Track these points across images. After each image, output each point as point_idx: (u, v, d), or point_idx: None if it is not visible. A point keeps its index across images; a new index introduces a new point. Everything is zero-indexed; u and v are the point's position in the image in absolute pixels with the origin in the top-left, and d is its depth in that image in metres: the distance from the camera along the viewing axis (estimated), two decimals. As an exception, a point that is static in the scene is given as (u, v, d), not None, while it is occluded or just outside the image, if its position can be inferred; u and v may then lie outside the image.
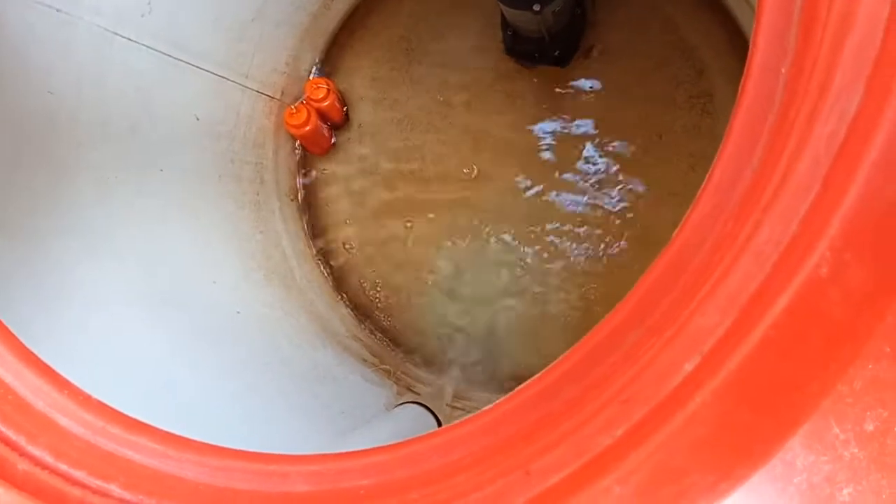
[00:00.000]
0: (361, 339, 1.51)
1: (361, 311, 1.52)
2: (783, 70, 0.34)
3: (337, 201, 1.55)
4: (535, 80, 1.44)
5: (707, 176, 0.37)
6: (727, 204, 0.35)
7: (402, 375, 1.48)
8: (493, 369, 1.43)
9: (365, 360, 1.46)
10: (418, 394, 1.40)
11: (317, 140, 1.50)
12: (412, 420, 1.19)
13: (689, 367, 0.29)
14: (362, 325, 1.52)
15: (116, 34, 1.08)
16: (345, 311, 1.53)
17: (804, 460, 0.35)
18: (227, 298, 1.26)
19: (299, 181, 1.58)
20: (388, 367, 1.47)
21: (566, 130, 1.42)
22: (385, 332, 1.51)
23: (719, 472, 0.28)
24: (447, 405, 1.34)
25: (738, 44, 1.31)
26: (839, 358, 0.27)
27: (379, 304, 1.51)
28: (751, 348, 0.28)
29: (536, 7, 1.16)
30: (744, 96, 0.35)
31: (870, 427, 0.35)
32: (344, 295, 1.53)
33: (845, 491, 0.36)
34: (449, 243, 1.46)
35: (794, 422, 0.28)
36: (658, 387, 0.30)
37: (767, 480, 0.35)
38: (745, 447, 0.28)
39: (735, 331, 0.28)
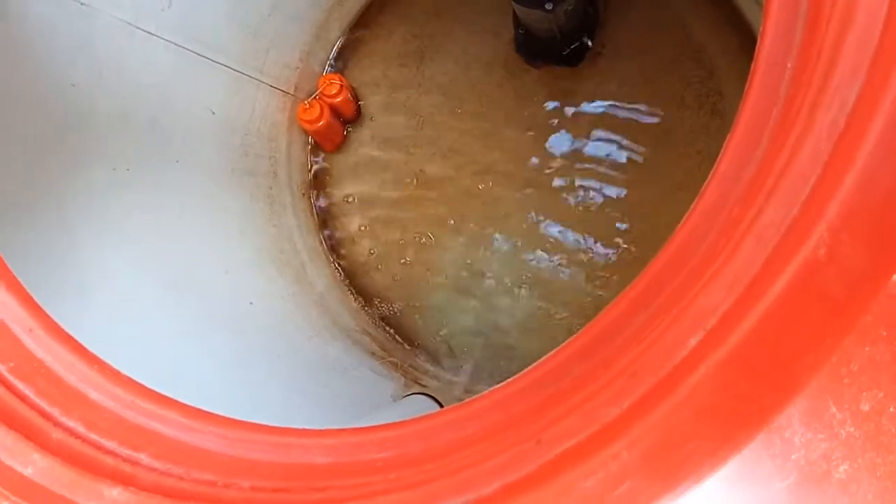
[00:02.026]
0: (370, 333, 1.53)
1: (370, 305, 1.54)
2: (789, 64, 0.36)
3: (348, 196, 1.57)
4: (546, 79, 1.46)
5: (714, 167, 0.39)
6: (733, 192, 0.36)
7: (410, 368, 1.50)
8: (501, 365, 1.45)
9: (373, 353, 1.48)
10: (425, 386, 1.42)
11: (329, 135, 1.52)
12: (419, 410, 1.21)
13: (693, 342, 0.31)
14: (371, 319, 1.54)
15: (137, 27, 1.11)
16: (354, 305, 1.55)
17: (802, 438, 0.36)
18: (241, 290, 1.29)
19: (311, 176, 1.60)
20: (395, 359, 1.49)
21: (575, 128, 1.43)
22: (393, 327, 1.53)
23: (721, 438, 0.30)
24: (452, 398, 1.36)
25: (748, 44, 1.32)
26: (835, 331, 0.29)
27: (387, 299, 1.53)
28: (752, 324, 0.29)
29: (549, 6, 1.18)
30: (750, 90, 0.37)
31: (865, 407, 0.37)
32: (353, 289, 1.56)
33: (841, 468, 0.38)
34: (458, 239, 1.48)
35: (791, 391, 0.30)
36: (664, 361, 0.31)
37: (767, 457, 0.36)
38: (746, 415, 0.30)
39: (738, 308, 0.30)
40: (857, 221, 0.28)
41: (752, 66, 0.38)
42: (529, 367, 0.44)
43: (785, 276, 0.29)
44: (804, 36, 0.36)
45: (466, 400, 0.45)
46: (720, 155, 0.39)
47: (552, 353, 0.44)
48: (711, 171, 0.41)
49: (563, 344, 0.43)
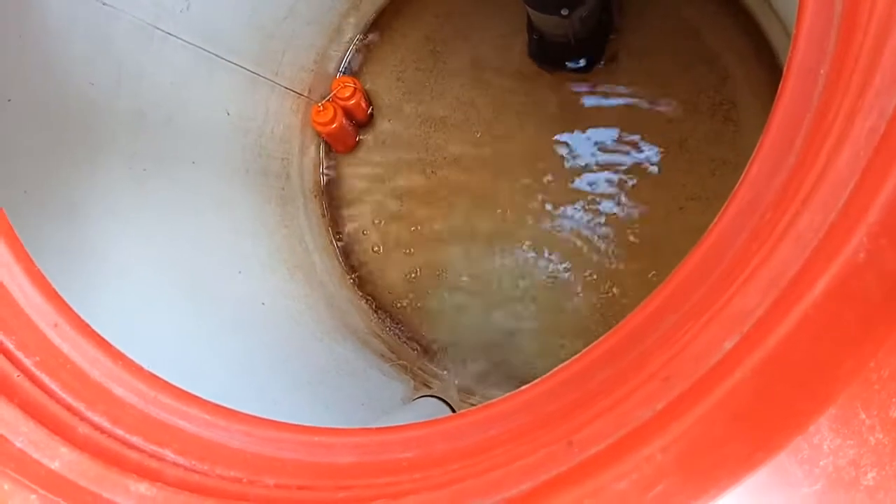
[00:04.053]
0: (380, 335, 1.53)
1: (380, 307, 1.55)
2: (822, 71, 0.36)
3: (359, 199, 1.58)
4: (559, 84, 1.46)
5: (745, 170, 0.39)
6: (764, 197, 0.36)
7: (419, 371, 1.50)
8: (509, 369, 1.44)
9: (383, 356, 1.49)
10: (434, 389, 1.42)
11: (342, 138, 1.53)
12: (430, 412, 1.21)
13: (728, 345, 0.31)
14: (381, 322, 1.54)
15: (156, 28, 1.12)
16: (364, 307, 1.55)
17: (831, 444, 0.36)
18: (253, 290, 1.29)
19: (323, 178, 1.61)
20: (404, 362, 1.49)
21: (588, 134, 1.43)
22: (402, 329, 1.53)
23: (756, 443, 0.30)
24: (459, 399, 1.36)
25: (762, 52, 1.32)
26: (874, 337, 0.29)
27: (397, 302, 1.53)
28: (790, 328, 0.29)
29: (564, 12, 1.18)
30: (783, 95, 0.37)
31: (895, 413, 0.37)
32: (363, 291, 1.56)
33: (869, 475, 0.38)
34: (469, 244, 1.48)
35: (828, 396, 0.30)
36: (698, 364, 0.31)
37: (795, 463, 0.36)
38: (782, 419, 0.30)
39: (774, 311, 0.30)
40: (897, 227, 0.28)
41: (785, 71, 0.39)
42: (556, 369, 0.44)
43: (824, 279, 0.29)
44: (838, 44, 0.36)
45: (491, 401, 0.45)
46: (752, 158, 0.39)
47: (579, 354, 0.44)
48: (742, 175, 0.41)
49: (591, 345, 0.43)
